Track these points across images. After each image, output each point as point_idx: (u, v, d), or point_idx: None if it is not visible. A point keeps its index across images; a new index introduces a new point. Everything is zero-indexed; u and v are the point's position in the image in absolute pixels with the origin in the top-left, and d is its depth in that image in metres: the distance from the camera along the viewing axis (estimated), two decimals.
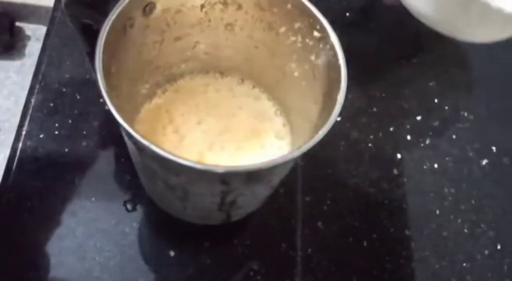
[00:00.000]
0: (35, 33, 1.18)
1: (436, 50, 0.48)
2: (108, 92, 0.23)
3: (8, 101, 1.11)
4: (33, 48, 1.17)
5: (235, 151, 0.31)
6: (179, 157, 0.21)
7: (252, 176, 0.24)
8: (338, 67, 0.26)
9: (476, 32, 0.40)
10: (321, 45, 0.27)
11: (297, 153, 0.23)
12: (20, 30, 1.18)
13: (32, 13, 1.17)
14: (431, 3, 0.38)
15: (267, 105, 0.33)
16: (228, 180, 0.24)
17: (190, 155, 0.30)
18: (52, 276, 0.34)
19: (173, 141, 0.31)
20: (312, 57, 0.28)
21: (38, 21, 1.18)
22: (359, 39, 0.48)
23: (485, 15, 0.36)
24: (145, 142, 0.21)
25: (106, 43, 0.25)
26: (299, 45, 0.29)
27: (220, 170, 0.22)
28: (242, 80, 0.34)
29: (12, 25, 1.15)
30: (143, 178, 0.31)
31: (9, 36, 1.13)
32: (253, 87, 0.34)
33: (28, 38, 1.18)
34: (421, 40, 0.48)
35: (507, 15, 0.35)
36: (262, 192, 0.30)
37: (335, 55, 0.26)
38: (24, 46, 1.17)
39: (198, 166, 0.21)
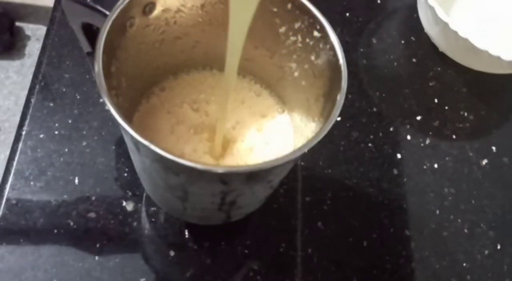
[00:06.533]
0: (35, 33, 1.18)
1: (436, 50, 0.48)
2: (108, 92, 0.23)
3: (8, 101, 1.11)
4: (33, 48, 1.17)
5: (238, 148, 0.31)
6: (178, 156, 0.21)
7: (252, 176, 0.24)
8: (338, 67, 0.26)
9: (488, 69, 0.46)
10: (321, 45, 0.27)
11: (298, 153, 0.23)
12: (20, 30, 1.18)
13: (32, 13, 1.17)
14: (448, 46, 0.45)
15: (270, 102, 0.33)
16: (228, 180, 0.24)
17: (191, 154, 0.30)
18: (52, 276, 0.34)
19: (173, 139, 0.31)
20: (312, 57, 0.28)
21: (38, 21, 1.18)
22: (358, 40, 0.48)
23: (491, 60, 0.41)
24: (144, 141, 0.21)
25: (106, 43, 0.25)
26: (299, 45, 0.29)
27: (220, 170, 0.22)
28: (244, 76, 0.34)
29: (12, 25, 1.15)
30: (143, 178, 0.31)
31: (9, 36, 1.14)
32: (255, 82, 0.34)
33: (28, 38, 1.18)
34: (421, 40, 0.48)
35: (506, 61, 0.41)
36: (262, 192, 0.30)
37: (335, 55, 0.26)
38: (24, 46, 1.17)
39: (197, 165, 0.21)
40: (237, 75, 0.34)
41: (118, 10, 0.26)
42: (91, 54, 0.31)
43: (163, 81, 0.33)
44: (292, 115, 0.32)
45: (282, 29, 0.29)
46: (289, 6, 0.28)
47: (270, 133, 0.32)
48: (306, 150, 0.23)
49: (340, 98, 0.25)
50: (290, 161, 0.24)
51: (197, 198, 0.28)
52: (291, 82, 0.31)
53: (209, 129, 0.31)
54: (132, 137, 0.22)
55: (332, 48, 0.26)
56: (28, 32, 1.18)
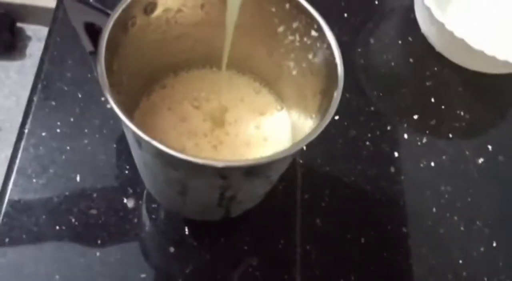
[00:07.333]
0: (36, 34, 1.19)
1: (433, 50, 0.48)
2: (110, 90, 0.23)
3: (9, 101, 1.12)
4: (34, 49, 1.17)
5: (237, 144, 0.32)
6: (179, 151, 0.22)
7: (251, 171, 0.25)
8: (335, 66, 0.26)
9: (484, 69, 0.46)
10: (318, 44, 0.28)
11: (295, 148, 0.24)
12: (21, 30, 1.19)
13: (33, 14, 1.17)
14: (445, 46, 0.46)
15: (269, 99, 0.34)
16: (227, 174, 0.25)
17: (192, 148, 0.31)
18: (53, 271, 0.34)
19: (174, 135, 0.31)
20: (310, 56, 0.29)
21: (39, 22, 1.19)
22: (356, 40, 0.49)
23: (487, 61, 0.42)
24: (146, 137, 0.22)
25: (109, 42, 0.25)
26: (297, 44, 0.30)
27: (219, 165, 0.22)
28: (243, 73, 0.34)
29: (13, 25, 1.15)
30: (144, 174, 0.32)
31: (10, 36, 1.14)
32: (254, 80, 0.34)
33: (29, 38, 1.19)
34: (417, 40, 0.49)
35: (501, 61, 0.41)
36: (261, 187, 0.30)
37: (332, 53, 0.27)
38: (25, 46, 1.18)
39: (197, 160, 0.22)
40: (237, 72, 0.34)
41: (120, 10, 0.26)
42: (93, 53, 0.31)
43: (164, 78, 0.33)
44: (290, 112, 0.33)
45: (280, 29, 0.30)
46: (287, 6, 0.28)
47: (269, 130, 0.32)
48: (304, 145, 0.24)
49: (337, 95, 0.25)
50: (288, 156, 0.24)
51: (197, 193, 0.28)
52: (289, 80, 0.31)
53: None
54: (133, 133, 0.23)
55: (329, 47, 0.27)
56: (29, 33, 1.19)
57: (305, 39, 0.29)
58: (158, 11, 0.29)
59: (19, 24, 1.18)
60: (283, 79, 0.32)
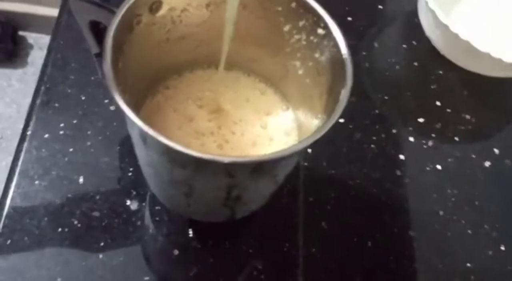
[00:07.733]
0: (37, 42, 1.19)
1: (438, 54, 0.48)
2: (117, 88, 0.23)
3: (10, 109, 1.11)
4: (36, 57, 1.17)
5: (243, 144, 0.31)
6: (185, 147, 0.21)
7: (257, 168, 0.25)
8: (342, 63, 0.26)
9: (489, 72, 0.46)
10: (325, 42, 0.28)
11: (301, 146, 0.23)
12: (23, 38, 1.19)
13: (35, 22, 1.18)
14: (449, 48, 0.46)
15: (274, 99, 0.34)
16: (233, 172, 0.24)
17: (198, 148, 0.31)
18: (55, 274, 0.34)
19: (179, 135, 0.31)
20: (316, 55, 0.29)
21: (40, 30, 1.19)
22: (360, 44, 0.49)
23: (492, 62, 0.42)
24: (152, 132, 0.22)
25: (114, 40, 0.25)
26: (303, 43, 0.29)
27: (225, 160, 0.22)
28: (248, 74, 0.34)
29: (15, 33, 1.16)
30: (148, 175, 0.31)
31: (12, 44, 1.14)
32: (259, 81, 0.34)
33: (31, 46, 1.19)
34: (422, 44, 0.49)
35: (507, 64, 0.41)
36: (266, 187, 0.30)
37: (338, 51, 0.27)
38: (26, 55, 1.18)
39: (204, 156, 0.21)
40: (242, 73, 0.34)
41: (126, 8, 0.26)
42: (98, 55, 0.31)
43: (168, 79, 0.33)
44: (296, 112, 0.33)
45: (286, 28, 0.30)
46: (293, 4, 0.28)
47: (275, 130, 0.32)
48: (310, 143, 0.23)
49: (345, 93, 0.25)
50: (294, 154, 0.24)
51: (202, 193, 0.28)
52: (295, 80, 0.31)
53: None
54: (140, 130, 0.22)
55: (336, 45, 0.27)
56: (30, 41, 1.19)
57: (311, 37, 0.29)
58: (163, 10, 0.29)
59: (21, 33, 1.18)
60: (289, 79, 0.32)
